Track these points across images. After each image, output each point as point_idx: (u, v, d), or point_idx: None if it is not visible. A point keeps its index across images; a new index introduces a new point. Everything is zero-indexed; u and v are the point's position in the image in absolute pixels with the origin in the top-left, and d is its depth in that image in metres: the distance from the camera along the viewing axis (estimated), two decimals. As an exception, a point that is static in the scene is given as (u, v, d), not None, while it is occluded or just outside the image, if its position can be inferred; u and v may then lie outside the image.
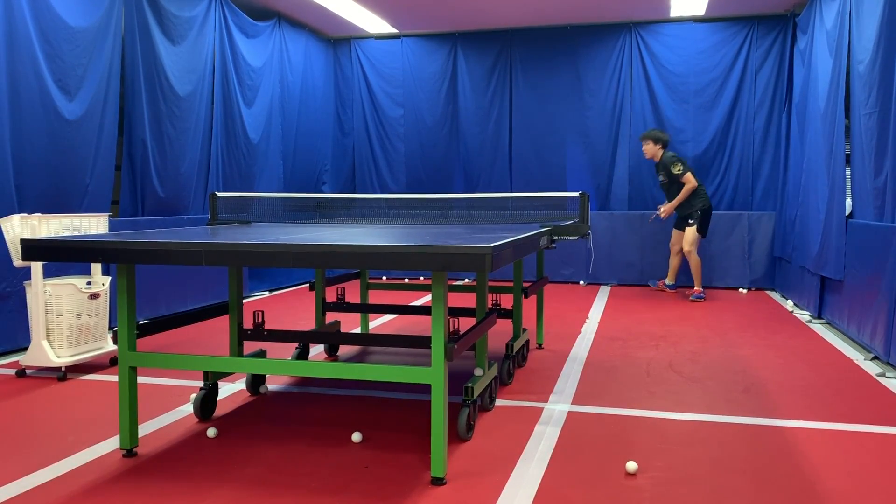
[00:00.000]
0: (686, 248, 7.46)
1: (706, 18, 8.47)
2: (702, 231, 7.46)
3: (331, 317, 6.30)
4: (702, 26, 8.49)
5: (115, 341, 4.73)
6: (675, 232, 7.77)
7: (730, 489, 2.71)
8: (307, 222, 4.88)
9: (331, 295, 6.69)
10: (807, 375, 4.39)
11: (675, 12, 8.25)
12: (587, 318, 6.41)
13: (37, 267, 4.24)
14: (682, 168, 7.35)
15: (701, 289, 7.48)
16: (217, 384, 3.62)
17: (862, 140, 5.27)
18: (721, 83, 8.45)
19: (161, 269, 6.17)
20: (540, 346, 5.17)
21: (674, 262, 7.83)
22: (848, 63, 5.66)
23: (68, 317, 4.35)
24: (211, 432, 3.27)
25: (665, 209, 7.57)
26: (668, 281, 7.93)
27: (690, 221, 7.45)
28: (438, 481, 2.75)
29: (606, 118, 8.85)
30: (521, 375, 4.38)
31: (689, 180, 7.35)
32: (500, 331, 5.64)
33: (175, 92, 6.52)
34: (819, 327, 5.93)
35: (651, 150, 7.57)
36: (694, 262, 7.48)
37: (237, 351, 3.88)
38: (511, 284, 4.74)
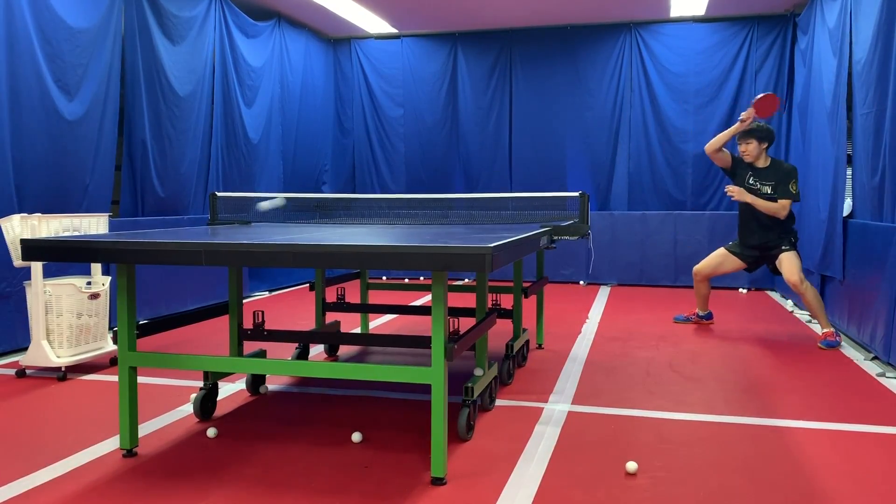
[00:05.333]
0: (794, 279, 5.35)
1: (706, 18, 8.47)
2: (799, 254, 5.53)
3: (331, 317, 6.30)
4: (702, 26, 8.49)
5: (115, 341, 4.73)
6: (722, 255, 5.82)
7: (730, 489, 2.71)
8: (307, 222, 4.87)
9: (331, 295, 6.68)
10: (807, 375, 4.39)
11: (675, 12, 8.25)
12: (587, 318, 6.40)
13: (37, 267, 4.24)
14: (797, 189, 5.46)
15: (832, 329, 5.28)
16: (217, 384, 3.62)
17: (861, 140, 5.28)
18: (721, 83, 8.45)
19: (161, 269, 6.17)
20: (540, 346, 5.17)
21: (701, 289, 5.98)
22: (849, 63, 5.66)
23: (68, 317, 4.35)
24: (211, 432, 3.27)
25: (742, 193, 5.53)
26: (700, 311, 6.11)
27: (785, 247, 5.49)
28: (438, 481, 2.75)
29: (606, 118, 8.85)
30: (521, 375, 4.38)
31: (785, 208, 5.42)
32: (500, 331, 5.64)
33: (175, 92, 6.52)
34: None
35: (755, 150, 5.55)
36: (812, 295, 5.37)
37: (237, 351, 3.88)
38: (511, 284, 4.74)
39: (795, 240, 5.55)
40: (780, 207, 5.43)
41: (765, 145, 5.55)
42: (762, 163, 5.57)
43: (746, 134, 5.55)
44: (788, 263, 5.43)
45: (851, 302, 5.37)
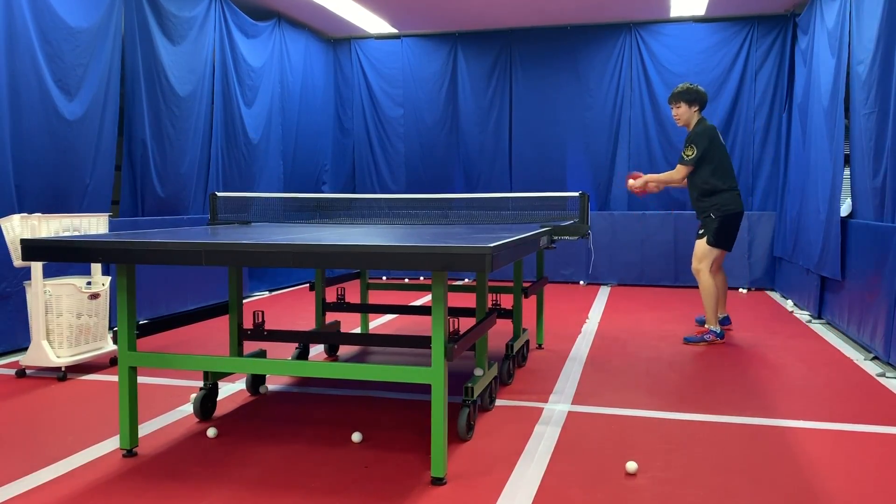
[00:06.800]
0: (694, 264, 5.33)
1: (706, 18, 8.47)
2: (722, 243, 5.25)
3: (331, 317, 6.30)
4: (702, 26, 8.49)
5: (115, 341, 4.73)
6: (695, 244, 5.58)
7: (730, 489, 2.71)
8: (307, 222, 4.88)
9: (331, 295, 6.68)
10: (807, 375, 4.39)
11: (675, 12, 8.25)
12: (587, 318, 6.40)
13: (37, 267, 4.24)
14: (691, 154, 5.21)
15: (711, 327, 5.28)
16: (217, 384, 3.62)
17: (861, 140, 5.28)
18: (721, 83, 8.45)
19: (161, 269, 6.17)
20: (540, 346, 5.17)
21: (717, 283, 5.52)
22: (848, 63, 5.66)
23: (68, 317, 4.35)
24: (211, 432, 3.27)
25: (639, 180, 5.44)
26: (719, 312, 5.50)
27: (701, 231, 5.33)
28: (438, 481, 2.75)
29: (606, 118, 8.85)
30: (521, 375, 4.38)
31: (678, 172, 5.29)
32: (500, 331, 5.64)
33: (175, 92, 6.52)
34: (819, 327, 5.93)
35: (685, 114, 5.34)
36: (703, 284, 5.27)
37: (237, 351, 3.88)
38: (511, 284, 4.74)
39: (721, 214, 5.19)
40: (672, 173, 5.32)
41: (695, 108, 5.31)
42: (692, 126, 5.35)
43: (674, 97, 5.36)
44: (697, 249, 5.32)
45: (851, 302, 5.37)
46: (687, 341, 5.29)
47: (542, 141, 9.07)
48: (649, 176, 5.46)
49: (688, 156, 5.23)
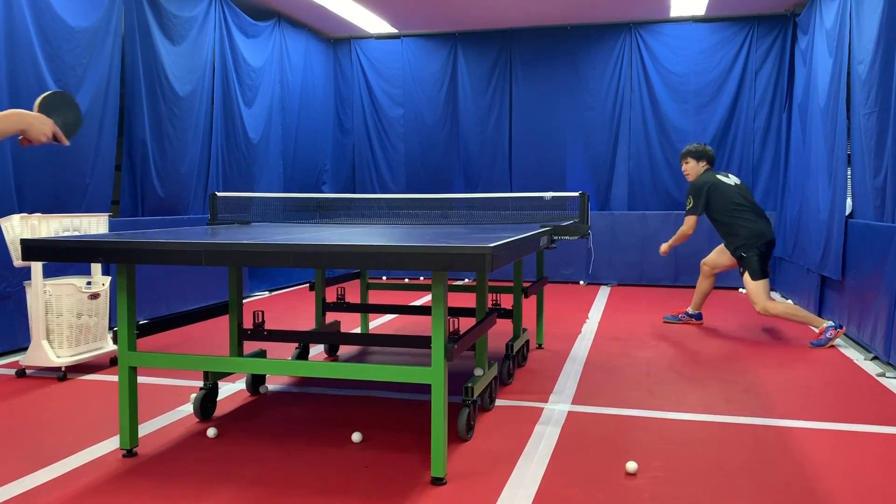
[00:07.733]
0: (758, 307, 5.38)
1: (706, 18, 8.47)
2: (762, 273, 5.40)
3: (331, 317, 6.30)
4: (702, 26, 8.49)
5: (115, 341, 4.73)
6: (717, 251, 5.88)
7: (730, 489, 2.71)
8: (307, 222, 4.87)
9: (331, 295, 6.68)
10: (807, 375, 4.39)
11: (675, 12, 8.25)
12: (587, 318, 6.40)
13: (37, 267, 4.24)
14: (689, 204, 5.62)
15: (823, 325, 5.20)
16: (217, 384, 3.62)
17: (862, 140, 5.28)
18: (721, 83, 8.46)
19: (161, 269, 6.17)
20: (540, 347, 5.17)
21: (703, 285, 5.97)
22: (849, 63, 5.66)
23: (68, 317, 4.35)
24: (211, 432, 3.27)
25: (664, 246, 5.92)
26: (690, 309, 6.09)
27: (741, 269, 5.51)
28: (438, 481, 2.75)
29: (606, 118, 8.85)
30: (521, 375, 4.38)
31: (686, 224, 5.66)
32: (500, 331, 5.64)
33: (175, 92, 6.52)
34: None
35: (693, 169, 5.75)
36: (782, 314, 5.34)
37: (237, 351, 3.88)
38: (511, 284, 4.74)
39: (755, 250, 5.40)
40: (682, 227, 5.73)
41: (703, 163, 5.76)
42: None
43: (682, 155, 5.86)
44: (748, 291, 5.47)
45: (851, 302, 5.37)
46: (814, 345, 5.16)
47: (542, 141, 9.06)
48: (669, 242, 5.91)
49: (687, 207, 5.66)
